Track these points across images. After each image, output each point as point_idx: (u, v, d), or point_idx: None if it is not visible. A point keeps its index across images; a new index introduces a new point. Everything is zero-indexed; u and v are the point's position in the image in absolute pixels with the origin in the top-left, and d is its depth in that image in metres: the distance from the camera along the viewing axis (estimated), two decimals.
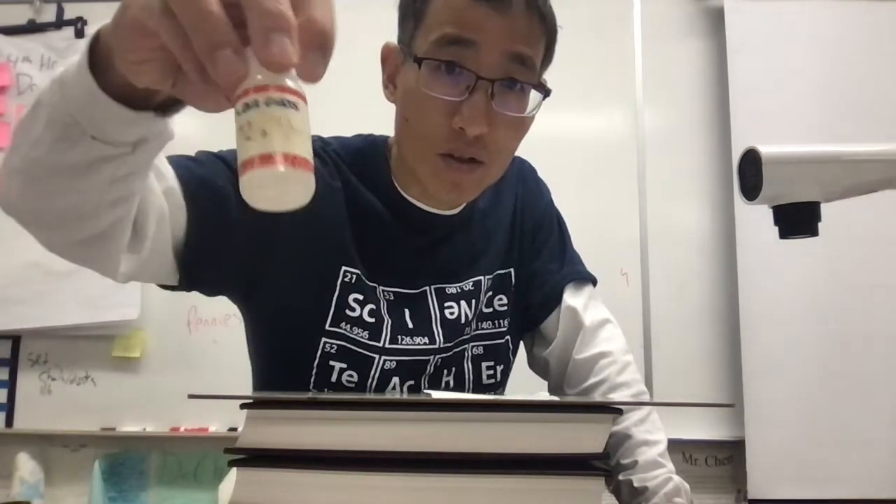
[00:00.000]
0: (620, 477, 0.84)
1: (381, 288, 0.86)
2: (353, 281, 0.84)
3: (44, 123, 0.54)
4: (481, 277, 0.91)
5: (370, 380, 0.84)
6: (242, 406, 0.59)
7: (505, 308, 0.94)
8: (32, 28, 2.29)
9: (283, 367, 0.87)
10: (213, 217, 0.74)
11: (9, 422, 2.18)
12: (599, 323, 0.96)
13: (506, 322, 0.94)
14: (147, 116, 0.52)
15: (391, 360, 0.85)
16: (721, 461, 2.15)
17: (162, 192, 0.69)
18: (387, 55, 0.84)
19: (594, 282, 1.00)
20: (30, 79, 2.26)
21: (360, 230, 0.85)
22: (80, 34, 2.26)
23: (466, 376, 0.91)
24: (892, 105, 2.10)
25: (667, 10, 2.25)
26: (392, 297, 0.87)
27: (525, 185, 1.00)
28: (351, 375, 0.84)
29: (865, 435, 2.00)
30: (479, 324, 0.92)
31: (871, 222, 1.99)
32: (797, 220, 0.72)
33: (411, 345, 0.86)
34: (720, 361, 2.12)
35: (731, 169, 2.10)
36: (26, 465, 2.10)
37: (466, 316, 0.90)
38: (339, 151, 0.88)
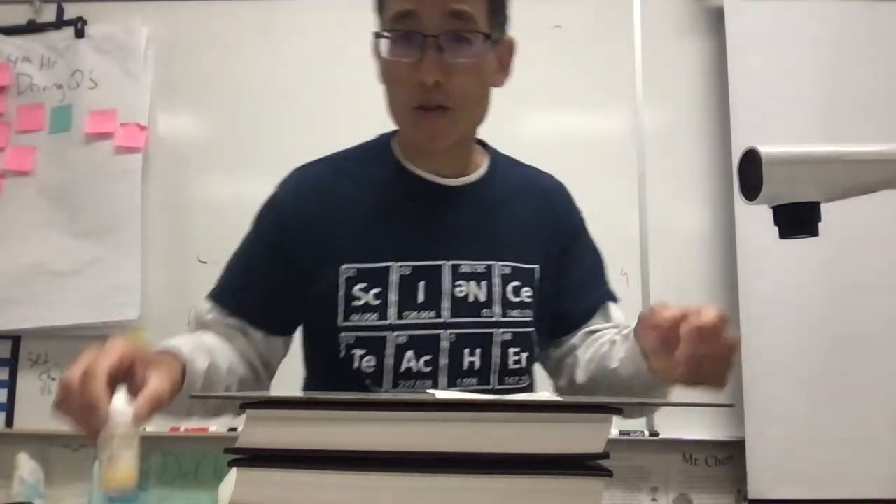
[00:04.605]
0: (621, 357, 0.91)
1: (399, 264, 0.94)
2: (355, 274, 0.93)
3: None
4: (494, 263, 0.97)
5: (386, 358, 0.91)
6: (242, 406, 0.59)
7: (530, 300, 0.98)
8: (32, 28, 2.29)
9: (322, 364, 0.99)
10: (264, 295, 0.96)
11: (9, 422, 2.18)
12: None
13: (531, 314, 0.98)
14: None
15: (402, 335, 0.92)
16: (721, 461, 2.15)
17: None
18: (373, 49, 0.96)
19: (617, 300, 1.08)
20: (30, 79, 2.26)
21: (368, 216, 0.96)
22: (80, 34, 2.26)
23: (493, 360, 0.95)
24: (892, 105, 2.09)
25: (667, 9, 2.25)
26: (409, 272, 0.94)
27: (557, 198, 1.08)
28: (369, 360, 0.92)
29: (865, 435, 1.99)
30: (508, 311, 0.96)
31: (870, 222, 1.98)
32: (797, 220, 0.72)
33: (418, 319, 0.93)
34: None
35: (731, 169, 2.10)
36: (26, 465, 2.10)
37: (476, 297, 0.95)
38: (350, 154, 1.03)
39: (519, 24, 0.98)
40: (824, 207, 0.72)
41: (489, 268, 0.96)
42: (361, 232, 0.95)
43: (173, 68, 2.27)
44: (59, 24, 2.28)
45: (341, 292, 0.93)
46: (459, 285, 0.95)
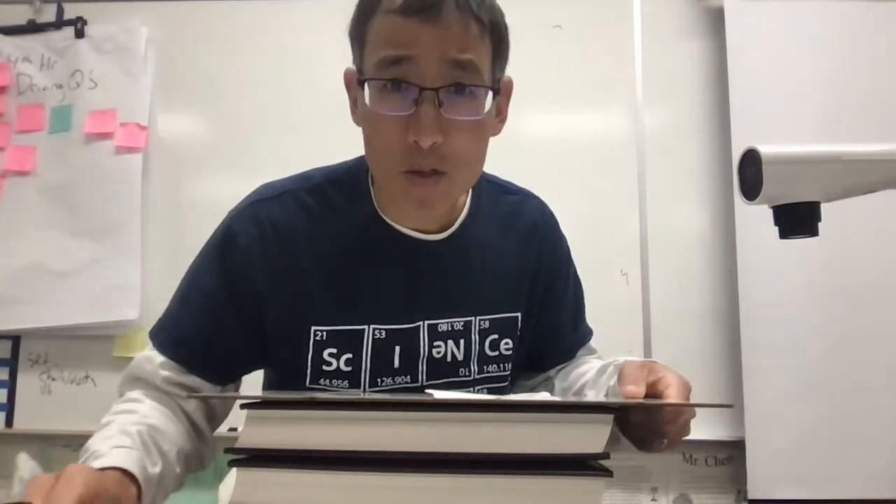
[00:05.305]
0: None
1: (373, 327, 0.86)
2: (324, 338, 0.86)
3: None
4: (472, 318, 0.91)
5: None
6: (242, 406, 0.59)
7: (510, 352, 0.95)
8: (32, 28, 2.29)
9: None
10: (215, 352, 0.86)
11: (9, 422, 2.18)
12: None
13: (509, 366, 0.95)
14: None
15: None
16: (721, 461, 2.15)
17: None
18: (348, 80, 0.86)
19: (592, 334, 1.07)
20: (30, 79, 2.26)
21: (340, 272, 0.86)
22: (80, 34, 2.26)
23: None
24: (892, 105, 2.09)
25: (667, 10, 2.25)
26: (383, 335, 0.87)
27: (544, 233, 0.99)
28: None
29: (865, 435, 1.99)
30: (485, 367, 0.93)
31: (871, 222, 1.99)
32: (797, 220, 0.72)
33: (392, 385, 0.88)
34: (720, 361, 2.12)
35: (731, 169, 2.10)
36: (26, 465, 2.10)
37: (454, 355, 0.90)
38: (321, 185, 0.89)
39: (519, 24, 0.95)
40: (824, 207, 0.72)
41: (468, 324, 0.91)
42: (334, 290, 0.86)
43: (173, 68, 2.26)
44: (59, 24, 2.28)
45: (310, 355, 0.86)
46: (437, 346, 0.89)
